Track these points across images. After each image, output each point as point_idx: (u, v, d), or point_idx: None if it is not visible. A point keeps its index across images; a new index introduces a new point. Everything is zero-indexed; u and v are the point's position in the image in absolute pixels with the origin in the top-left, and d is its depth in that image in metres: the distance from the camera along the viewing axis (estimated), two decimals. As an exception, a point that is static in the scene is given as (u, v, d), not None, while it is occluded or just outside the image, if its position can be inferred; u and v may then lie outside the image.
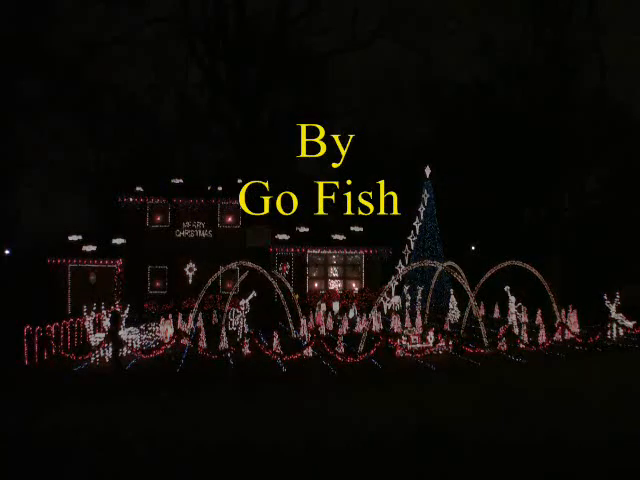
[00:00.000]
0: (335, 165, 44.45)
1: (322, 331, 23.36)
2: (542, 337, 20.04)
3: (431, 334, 19.41)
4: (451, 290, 28.02)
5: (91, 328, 19.35)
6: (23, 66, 37.00)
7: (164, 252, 33.25)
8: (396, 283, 29.71)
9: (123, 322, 19.00)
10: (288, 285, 24.57)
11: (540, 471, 9.01)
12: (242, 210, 33.49)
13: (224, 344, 19.63)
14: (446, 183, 34.95)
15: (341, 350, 18.37)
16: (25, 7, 36.31)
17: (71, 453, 10.08)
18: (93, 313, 19.80)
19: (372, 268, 34.05)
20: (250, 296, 22.54)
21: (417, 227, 33.40)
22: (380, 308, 27.73)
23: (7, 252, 39.66)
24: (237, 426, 11.49)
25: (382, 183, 36.78)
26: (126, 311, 20.25)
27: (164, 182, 35.24)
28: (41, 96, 38.81)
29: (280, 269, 32.92)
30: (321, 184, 45.66)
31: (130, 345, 18.99)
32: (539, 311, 23.35)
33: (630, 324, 21.79)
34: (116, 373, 16.67)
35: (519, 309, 22.83)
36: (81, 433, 11.07)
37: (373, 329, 22.92)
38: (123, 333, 18.98)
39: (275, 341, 18.54)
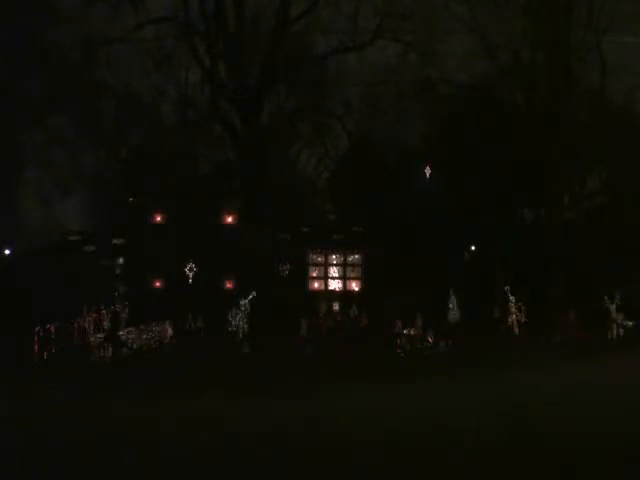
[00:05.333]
0: (334, 165, 44.41)
1: (322, 331, 23.34)
2: (542, 337, 20.04)
3: (431, 334, 19.42)
4: (451, 290, 27.95)
5: (91, 328, 19.37)
6: (23, 66, 36.90)
7: (164, 252, 33.17)
8: None
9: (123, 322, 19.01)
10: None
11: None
12: (242, 210, 33.41)
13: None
14: (446, 183, 34.87)
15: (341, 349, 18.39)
16: (25, 6, 36.21)
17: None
18: (93, 313, 19.81)
19: (372, 268, 33.98)
20: (250, 296, 22.54)
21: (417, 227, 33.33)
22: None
23: (7, 252, 39.59)
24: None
25: (382, 183, 36.71)
26: (126, 311, 20.27)
27: (164, 182, 35.13)
28: (41, 96, 38.69)
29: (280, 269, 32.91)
30: (321, 184, 45.64)
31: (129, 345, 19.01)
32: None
33: (630, 324, 21.80)
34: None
35: (519, 309, 22.82)
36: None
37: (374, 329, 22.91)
38: (123, 333, 18.99)
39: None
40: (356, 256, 34.38)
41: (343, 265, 34.48)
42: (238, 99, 32.65)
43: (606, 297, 22.17)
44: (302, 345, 19.41)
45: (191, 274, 33.09)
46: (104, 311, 20.46)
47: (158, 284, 33.48)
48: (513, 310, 22.25)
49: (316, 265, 34.36)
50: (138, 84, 40.61)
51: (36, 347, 17.95)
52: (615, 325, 21.76)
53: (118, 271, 32.54)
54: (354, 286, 34.29)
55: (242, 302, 22.55)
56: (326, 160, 44.99)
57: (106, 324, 19.27)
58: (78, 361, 18.04)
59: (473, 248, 40.95)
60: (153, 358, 18.69)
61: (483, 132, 36.67)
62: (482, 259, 37.02)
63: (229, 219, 34.11)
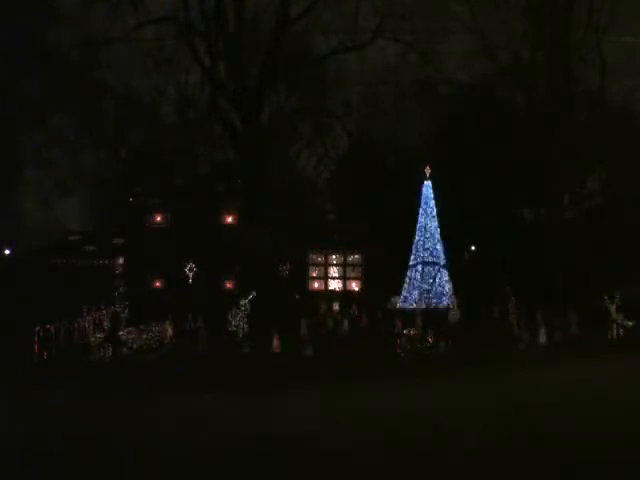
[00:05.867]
0: (334, 165, 44.44)
1: (322, 331, 23.34)
2: (542, 337, 20.04)
3: (431, 334, 19.43)
4: (451, 290, 27.98)
5: (91, 328, 19.37)
6: (23, 66, 36.91)
7: (164, 252, 33.16)
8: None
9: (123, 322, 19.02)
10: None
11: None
12: (242, 210, 33.42)
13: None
14: (446, 183, 34.87)
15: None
16: (25, 6, 36.21)
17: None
18: (93, 313, 19.82)
19: (372, 268, 33.98)
20: (250, 296, 22.55)
21: (417, 227, 33.29)
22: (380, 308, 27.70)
23: (7, 252, 39.59)
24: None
25: (382, 183, 36.74)
26: (126, 311, 20.27)
27: (164, 182, 35.14)
28: (41, 96, 38.69)
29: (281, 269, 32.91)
30: (321, 184, 45.60)
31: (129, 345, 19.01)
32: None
33: (630, 324, 21.79)
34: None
35: (519, 309, 22.81)
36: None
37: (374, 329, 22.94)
38: (123, 333, 18.99)
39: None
40: (356, 256, 34.38)
41: (343, 265, 34.48)
42: (238, 99, 32.65)
43: (606, 297, 22.14)
44: (302, 345, 19.40)
45: (191, 274, 33.05)
46: (104, 311, 20.47)
47: (158, 284, 33.47)
48: (513, 310, 22.23)
49: (316, 265, 34.36)
50: (138, 84, 40.59)
51: (36, 347, 17.94)
52: (615, 325, 21.74)
53: (118, 271, 32.50)
54: (354, 286, 34.28)
55: (242, 302, 22.56)
56: (326, 160, 44.98)
57: (106, 324, 19.27)
58: (78, 361, 18.03)
59: (473, 248, 40.96)
60: (153, 358, 18.67)
61: (483, 132, 36.67)
62: (482, 259, 36.98)
63: (229, 219, 34.10)
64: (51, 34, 36.97)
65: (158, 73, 40.63)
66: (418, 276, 31.48)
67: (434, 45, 34.36)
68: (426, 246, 32.03)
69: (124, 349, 19.09)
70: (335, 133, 41.90)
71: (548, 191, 36.80)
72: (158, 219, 33.93)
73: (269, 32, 33.83)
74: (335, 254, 34.36)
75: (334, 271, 34.43)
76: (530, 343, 19.74)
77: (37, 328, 18.06)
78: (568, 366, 16.99)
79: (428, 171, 32.73)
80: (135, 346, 19.31)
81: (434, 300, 29.21)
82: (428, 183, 32.66)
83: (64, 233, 35.67)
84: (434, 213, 32.90)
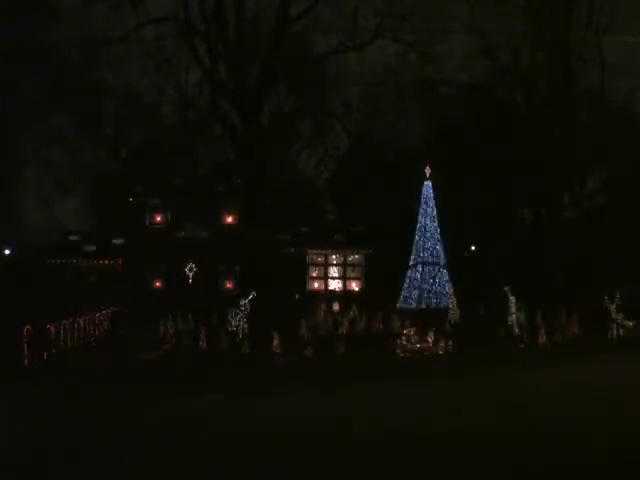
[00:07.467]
0: (334, 165, 44.48)
1: (322, 331, 23.34)
2: (542, 337, 20.04)
3: (431, 334, 19.42)
4: (451, 290, 27.99)
5: (91, 328, 19.37)
6: (23, 66, 36.95)
7: (164, 252, 33.19)
8: None
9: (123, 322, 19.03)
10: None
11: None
12: (242, 210, 33.43)
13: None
14: (446, 183, 34.90)
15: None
16: (25, 6, 36.24)
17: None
18: (93, 313, 19.83)
19: (372, 268, 33.99)
20: (250, 296, 22.55)
21: (417, 227, 33.33)
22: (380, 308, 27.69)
23: (7, 252, 39.61)
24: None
25: (382, 183, 36.75)
26: (126, 311, 20.29)
27: (164, 182, 35.16)
28: (41, 96, 38.73)
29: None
30: (321, 184, 45.64)
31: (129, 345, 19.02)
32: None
33: (630, 324, 21.79)
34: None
35: (519, 309, 22.80)
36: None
37: (373, 329, 22.95)
38: (124, 333, 19.01)
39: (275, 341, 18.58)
40: (356, 256, 34.39)
41: (343, 265, 34.50)
42: (238, 99, 32.63)
43: (606, 297, 22.14)
44: (302, 345, 19.41)
45: (191, 274, 33.06)
46: (104, 311, 20.47)
47: (158, 284, 33.47)
48: (513, 310, 22.23)
49: (316, 265, 34.37)
50: (138, 84, 40.74)
51: (36, 347, 17.94)
52: (615, 325, 21.75)
53: (118, 271, 32.51)
54: (354, 286, 34.29)
55: (242, 302, 22.56)
56: (326, 160, 45.08)
57: (106, 324, 19.26)
58: (78, 361, 18.03)
59: (473, 248, 40.97)
60: (153, 358, 18.68)
61: (483, 132, 36.69)
62: (482, 259, 37.01)
63: (229, 219, 34.10)
64: (51, 34, 37.00)
65: (158, 73, 40.74)
66: (418, 276, 31.52)
67: (434, 45, 34.37)
68: (426, 246, 32.05)
69: (124, 349, 19.10)
70: (335, 133, 41.99)
71: (548, 191, 36.80)
72: (158, 219, 33.94)
73: (269, 32, 33.80)
74: (335, 254, 34.37)
75: (334, 271, 34.46)
76: (530, 343, 19.73)
77: (37, 328, 18.06)
78: (568, 366, 16.97)
79: (428, 171, 32.74)
80: (134, 346, 19.32)
81: (434, 300, 29.26)
82: (428, 183, 32.65)
83: (64, 233, 35.70)
84: (434, 213, 32.92)
